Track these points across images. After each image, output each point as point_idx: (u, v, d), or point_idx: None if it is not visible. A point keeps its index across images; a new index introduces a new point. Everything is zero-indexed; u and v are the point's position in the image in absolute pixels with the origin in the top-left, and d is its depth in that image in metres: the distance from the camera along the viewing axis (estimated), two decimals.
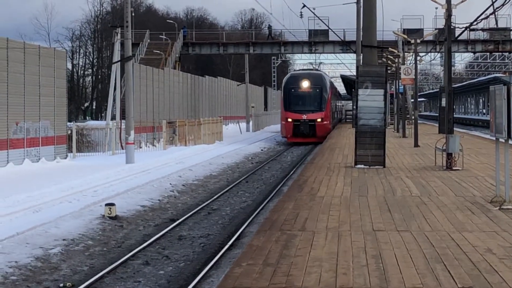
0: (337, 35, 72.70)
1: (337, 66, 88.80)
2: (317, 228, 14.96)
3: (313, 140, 58.63)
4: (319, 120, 60.00)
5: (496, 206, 17.09)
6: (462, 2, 32.27)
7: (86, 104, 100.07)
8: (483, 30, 66.56)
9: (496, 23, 57.06)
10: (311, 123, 59.87)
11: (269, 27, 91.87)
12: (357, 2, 48.47)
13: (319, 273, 10.94)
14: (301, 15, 63.42)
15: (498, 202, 17.36)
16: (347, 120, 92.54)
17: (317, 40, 78.69)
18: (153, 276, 16.11)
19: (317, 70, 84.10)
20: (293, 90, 62.17)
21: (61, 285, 15.56)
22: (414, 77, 46.75)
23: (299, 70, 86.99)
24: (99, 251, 18.96)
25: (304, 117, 59.60)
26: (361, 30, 31.57)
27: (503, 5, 31.06)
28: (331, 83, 72.68)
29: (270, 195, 28.40)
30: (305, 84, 61.34)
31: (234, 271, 11.15)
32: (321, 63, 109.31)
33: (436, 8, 44.21)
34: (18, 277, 15.74)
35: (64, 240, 19.68)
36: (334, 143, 45.92)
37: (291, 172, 37.22)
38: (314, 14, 64.82)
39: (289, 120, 59.92)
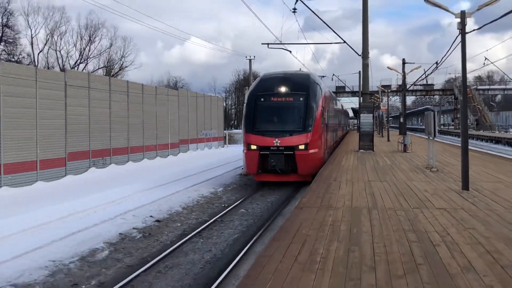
0: (350, 88, 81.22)
1: (350, 103, 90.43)
2: (341, 179, 15.36)
3: (293, 179, 21.47)
4: (301, 147, 21.01)
5: (428, 169, 17.95)
6: (411, 71, 37.45)
7: (232, 122, 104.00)
8: (421, 85, 75.71)
9: (427, 82, 67.38)
10: (288, 152, 21.01)
11: None
12: (359, 73, 49.40)
13: (343, 201, 11.48)
14: (332, 79, 69.13)
15: (429, 168, 18.30)
16: (354, 129, 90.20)
17: (340, 91, 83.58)
18: (263, 202, 17.87)
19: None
20: (262, 100, 22.11)
21: (223, 205, 16.98)
22: (386, 108, 51.61)
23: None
24: (239, 189, 20.74)
25: (277, 142, 20.98)
26: (361, 85, 33.03)
27: (431, 73, 36.53)
28: (327, 91, 28.69)
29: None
30: (282, 89, 21.91)
31: (303, 200, 11.66)
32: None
33: (397, 74, 48.07)
34: (204, 202, 17.73)
35: (224, 184, 21.67)
36: (348, 141, 41.95)
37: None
38: (338, 79, 74.08)
39: (253, 147, 21.34)
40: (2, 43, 60.13)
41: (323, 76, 56.96)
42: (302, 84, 21.46)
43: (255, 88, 21.79)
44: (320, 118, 21.00)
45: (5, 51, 59.96)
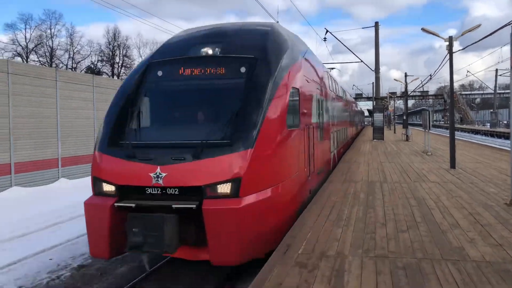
0: (366, 95, 77.51)
1: (366, 106, 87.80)
2: (360, 161, 14.76)
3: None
4: (221, 188, 2.87)
5: (424, 153, 17.21)
6: (411, 82, 34.92)
7: None
8: (418, 91, 72.98)
9: (423, 89, 65.52)
10: (186, 205, 2.91)
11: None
12: (373, 83, 47.89)
13: (361, 176, 11.02)
14: (353, 88, 68.07)
15: (425, 152, 17.47)
16: (369, 124, 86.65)
17: (358, 97, 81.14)
18: None
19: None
20: (154, 75, 3.67)
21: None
22: (393, 108, 49.88)
23: None
24: None
25: (158, 177, 2.71)
26: (374, 92, 32.19)
27: (426, 83, 34.67)
28: (317, 62, 7.73)
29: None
30: (201, 50, 3.48)
31: (332, 177, 10.97)
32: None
33: (401, 84, 45.92)
34: None
35: None
36: (364, 133, 38.46)
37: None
38: (357, 88, 71.11)
39: (106, 189, 2.94)
40: (123, 68, 65.78)
41: (333, 68, 28.35)
42: (246, 41, 6.10)
43: (150, 54, 6.42)
44: (285, 112, 5.62)
45: (125, 74, 66.07)
